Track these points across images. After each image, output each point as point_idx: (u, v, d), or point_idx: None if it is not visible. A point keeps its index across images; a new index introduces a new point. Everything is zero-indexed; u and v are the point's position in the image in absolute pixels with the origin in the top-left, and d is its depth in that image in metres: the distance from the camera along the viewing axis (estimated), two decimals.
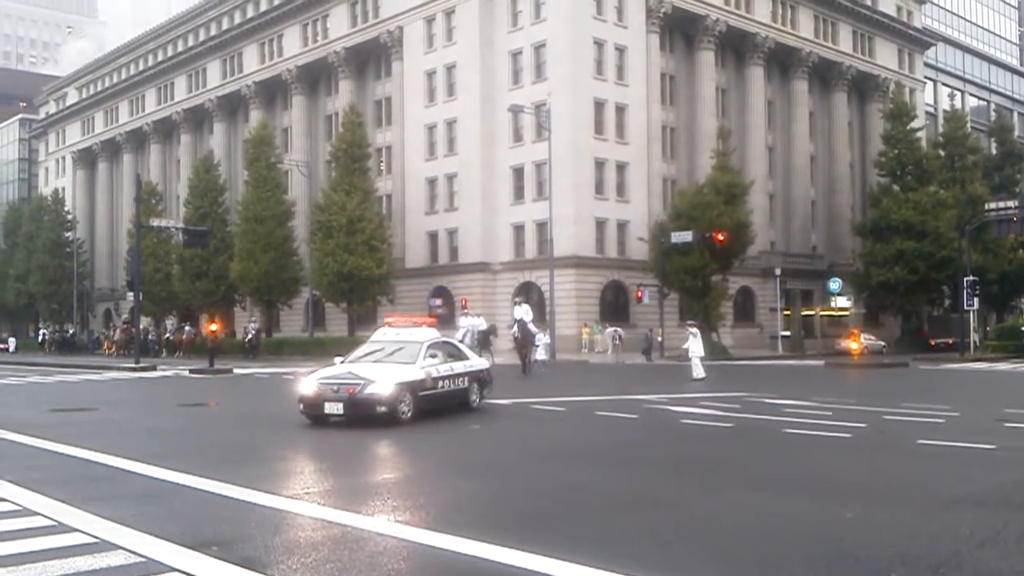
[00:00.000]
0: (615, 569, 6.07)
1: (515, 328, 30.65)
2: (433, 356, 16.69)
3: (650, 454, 12.61)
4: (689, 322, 32.07)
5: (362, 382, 15.25)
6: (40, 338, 76.67)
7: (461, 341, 32.13)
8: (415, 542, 6.99)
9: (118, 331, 64.94)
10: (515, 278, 55.26)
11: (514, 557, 6.44)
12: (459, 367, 17.35)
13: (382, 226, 54.17)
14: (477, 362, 18.77)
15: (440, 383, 16.43)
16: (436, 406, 16.23)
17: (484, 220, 56.84)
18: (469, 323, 35.24)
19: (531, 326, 30.15)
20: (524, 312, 30.20)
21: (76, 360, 50.42)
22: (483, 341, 34.60)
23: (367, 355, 16.86)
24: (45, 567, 6.29)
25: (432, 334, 17.51)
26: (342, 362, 16.72)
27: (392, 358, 16.32)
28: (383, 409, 15.03)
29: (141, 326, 55.33)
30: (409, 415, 15.35)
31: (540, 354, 34.87)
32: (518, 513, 8.31)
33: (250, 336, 51.09)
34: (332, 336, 54.06)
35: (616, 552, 6.59)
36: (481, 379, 18.18)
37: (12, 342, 73.91)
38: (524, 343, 29.90)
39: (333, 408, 15.13)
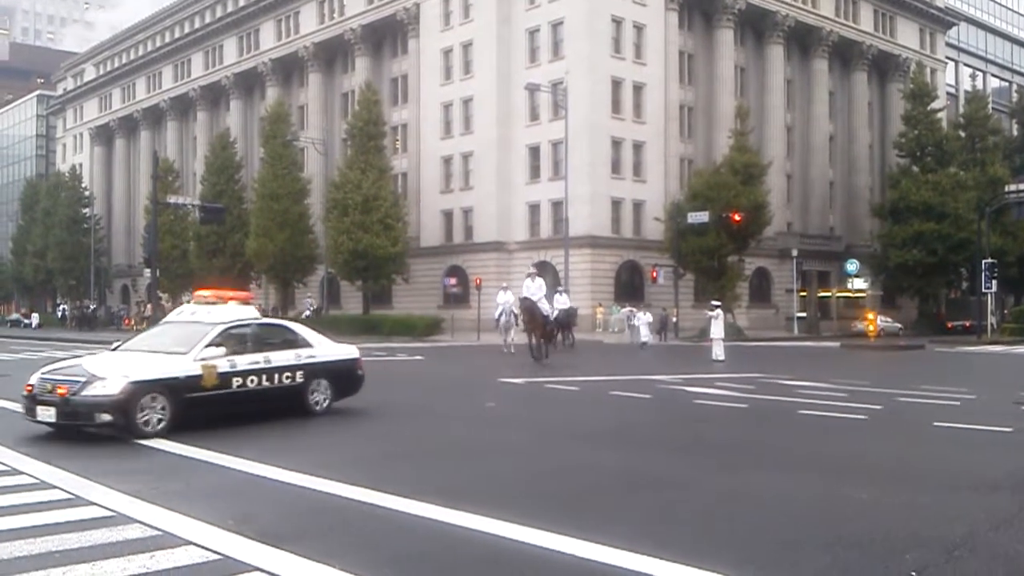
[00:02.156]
0: (628, 548, 6.07)
1: (500, 307, 28.35)
2: (235, 343, 12.71)
3: (663, 434, 12.61)
4: (713, 303, 31.53)
5: (82, 379, 11.27)
6: (60, 314, 77.37)
7: (497, 320, 31.23)
8: (429, 518, 7.01)
9: (148, 307, 65.51)
10: (530, 257, 55.13)
11: (527, 534, 6.46)
12: (283, 359, 13.20)
13: (397, 204, 54.17)
14: (327, 352, 14.13)
15: (240, 380, 12.47)
16: (229, 410, 12.45)
17: (499, 199, 56.75)
18: (505, 299, 31.61)
19: (544, 303, 26.32)
20: (537, 288, 26.25)
21: (96, 336, 50.77)
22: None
23: (144, 340, 13.34)
24: (62, 539, 6.35)
25: (240, 314, 13.52)
26: (113, 349, 13.41)
27: (165, 346, 12.55)
28: (106, 418, 11.08)
29: (161, 302, 55.75)
30: (162, 426, 11.37)
31: (644, 335, 36.09)
32: (530, 492, 8.32)
33: (307, 313, 49.30)
34: (347, 314, 54.28)
35: (629, 531, 6.60)
36: (334, 374, 13.92)
37: (35, 317, 74.72)
38: (533, 323, 25.72)
39: (45, 414, 11.31)
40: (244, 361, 12.63)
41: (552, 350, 29.52)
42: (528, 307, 25.57)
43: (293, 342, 13.75)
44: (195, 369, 11.98)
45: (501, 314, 30.83)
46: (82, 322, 70.17)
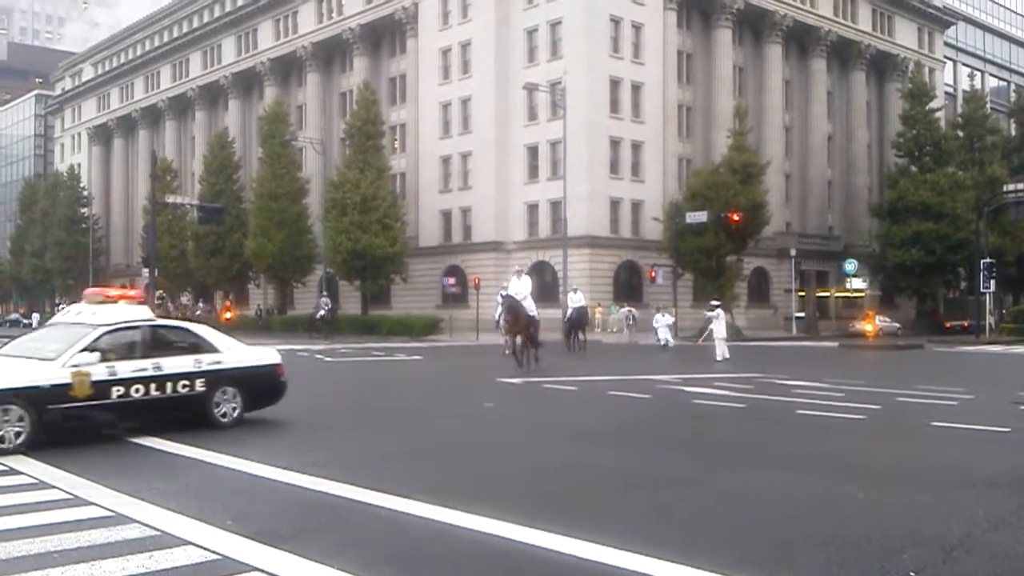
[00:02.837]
0: (626, 547, 6.08)
1: (500, 306, 24.37)
2: (119, 348, 11.44)
3: (662, 434, 12.61)
4: (713, 302, 31.32)
5: None
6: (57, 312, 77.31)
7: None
8: (427, 518, 7.02)
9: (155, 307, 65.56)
10: (528, 257, 55.19)
11: (524, 534, 6.46)
12: (179, 365, 11.78)
13: (396, 204, 54.19)
14: (237, 357, 12.62)
15: (122, 389, 11.12)
16: (108, 419, 11.36)
17: (498, 199, 56.75)
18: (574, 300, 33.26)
19: (529, 302, 23.50)
20: (523, 286, 23.75)
21: None
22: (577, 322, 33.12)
23: (23, 344, 12.24)
24: (61, 540, 6.35)
25: (128, 315, 12.08)
26: None
27: (39, 350, 11.38)
28: None
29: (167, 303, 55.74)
30: (21, 440, 10.15)
31: (665, 336, 35.17)
32: (528, 492, 8.33)
33: (322, 312, 47.89)
34: (346, 314, 54.27)
35: (627, 531, 6.60)
36: (246, 382, 12.47)
37: (35, 317, 74.57)
38: (517, 324, 23.09)
39: None
40: (128, 368, 11.24)
41: (559, 353, 29.19)
42: (511, 306, 23.10)
43: (194, 347, 12.29)
44: (63, 377, 10.59)
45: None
46: None
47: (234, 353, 12.65)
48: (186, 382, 11.78)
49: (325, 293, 51.18)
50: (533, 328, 23.51)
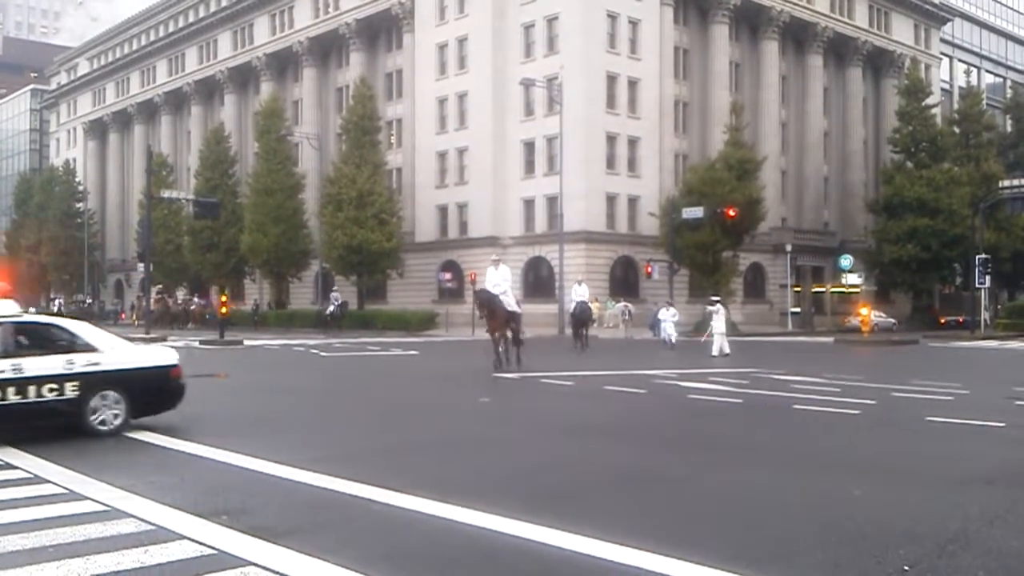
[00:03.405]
0: (623, 542, 6.08)
1: (481, 296, 21.97)
2: None
3: (658, 429, 12.62)
4: (712, 297, 30.74)
5: None
6: (56, 309, 76.66)
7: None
8: (424, 513, 7.02)
9: (154, 302, 65.59)
10: (525, 252, 55.19)
11: (523, 529, 6.47)
12: (45, 366, 10.60)
13: (392, 199, 54.16)
14: (121, 358, 11.38)
15: None
16: None
17: (494, 194, 56.71)
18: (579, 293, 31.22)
19: (509, 296, 21.33)
20: (500, 277, 21.27)
21: None
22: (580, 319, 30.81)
23: None
24: (56, 534, 6.34)
25: None
26: None
27: None
28: None
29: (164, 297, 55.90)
30: None
31: (668, 331, 31.97)
32: (525, 486, 8.33)
33: (332, 307, 47.30)
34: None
35: (624, 526, 6.61)
36: (132, 385, 11.22)
37: (33, 312, 74.15)
38: (494, 320, 20.94)
39: None
40: None
41: (578, 349, 29.01)
42: (486, 300, 20.81)
43: (67, 346, 11.02)
44: None
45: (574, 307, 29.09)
46: (78, 318, 69.11)
47: (117, 353, 11.43)
48: (53, 385, 10.56)
49: (336, 288, 50.93)
50: (515, 323, 21.46)
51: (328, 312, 47.43)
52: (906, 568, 5.66)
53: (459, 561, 5.94)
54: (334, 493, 7.83)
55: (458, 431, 12.31)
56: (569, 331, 31.70)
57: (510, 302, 21.21)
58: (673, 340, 32.03)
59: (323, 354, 29.13)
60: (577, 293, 31.39)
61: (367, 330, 47.02)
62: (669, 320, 32.53)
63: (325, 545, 6.12)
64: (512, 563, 5.85)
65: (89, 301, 75.82)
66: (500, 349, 21.13)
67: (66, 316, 69.33)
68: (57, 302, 78.94)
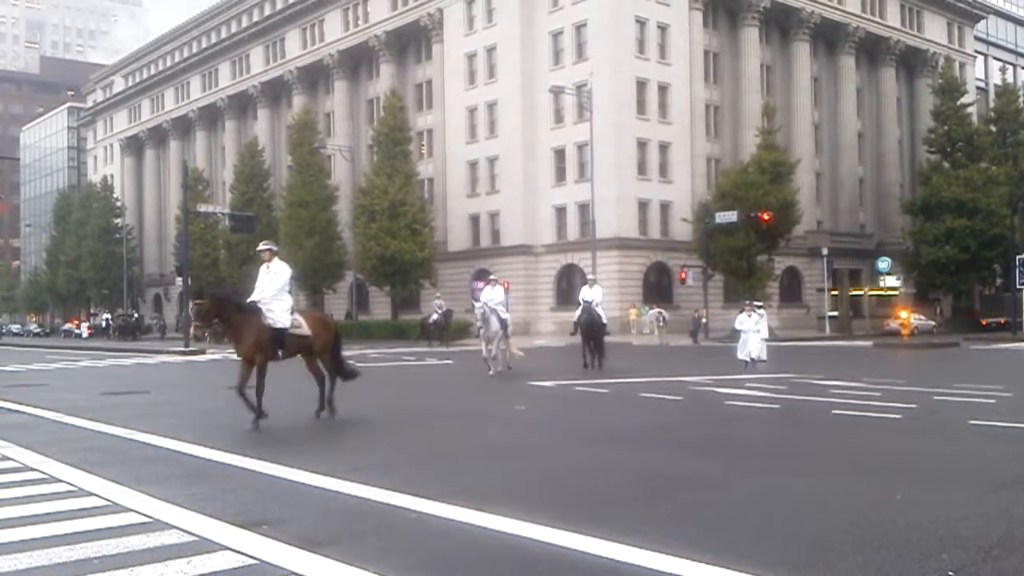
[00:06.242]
0: (659, 549, 6.05)
1: (479, 310, 22.38)
2: None
3: (695, 436, 12.54)
4: (755, 303, 26.00)
5: None
6: (104, 323, 76.47)
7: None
8: (461, 521, 7.03)
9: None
10: (557, 260, 55.20)
11: (561, 537, 6.46)
12: None
13: (424, 210, 54.42)
14: None
15: None
16: None
17: (526, 202, 56.79)
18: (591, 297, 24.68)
19: (501, 308, 22.24)
20: (496, 294, 22.98)
21: (139, 345, 51.07)
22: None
23: None
24: (101, 546, 6.43)
25: None
26: None
27: None
28: None
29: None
30: None
31: (750, 347, 23.56)
32: (562, 494, 8.32)
33: (435, 316, 43.25)
34: (376, 319, 54.53)
35: (659, 533, 6.57)
36: None
37: (84, 327, 74.39)
38: (488, 329, 22.13)
39: None
40: None
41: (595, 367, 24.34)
42: (486, 315, 22.20)
43: None
44: None
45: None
46: (124, 332, 68.92)
47: None
48: None
49: (439, 295, 48.19)
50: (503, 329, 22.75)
51: (432, 320, 43.49)
52: (951, 573, 5.58)
53: (498, 569, 5.94)
54: (371, 502, 7.86)
55: (495, 439, 12.31)
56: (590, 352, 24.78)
57: (503, 315, 22.77)
58: (756, 357, 23.49)
59: (357, 365, 29.22)
60: (586, 295, 24.65)
61: (402, 340, 47.22)
62: (752, 330, 23.58)
63: (364, 554, 6.15)
64: (551, 570, 5.84)
65: (136, 316, 76.03)
66: (489, 356, 22.49)
67: (117, 329, 69.18)
68: (105, 317, 78.79)
